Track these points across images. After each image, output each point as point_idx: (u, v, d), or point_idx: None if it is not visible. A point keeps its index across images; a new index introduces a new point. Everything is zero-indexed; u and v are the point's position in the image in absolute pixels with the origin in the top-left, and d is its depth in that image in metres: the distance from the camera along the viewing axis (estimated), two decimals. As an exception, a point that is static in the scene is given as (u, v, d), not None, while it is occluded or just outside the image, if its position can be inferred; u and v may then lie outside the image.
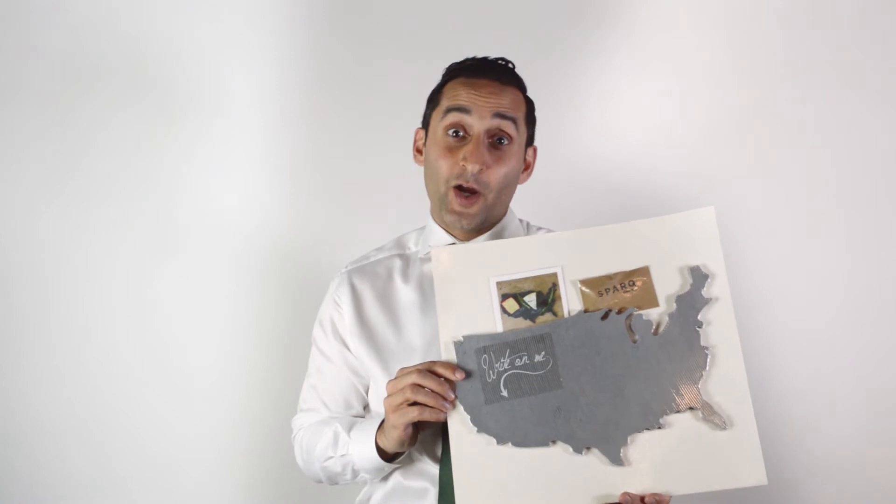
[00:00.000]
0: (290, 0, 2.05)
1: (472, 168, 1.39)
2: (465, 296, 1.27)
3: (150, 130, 2.03)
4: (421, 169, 1.51)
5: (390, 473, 1.43)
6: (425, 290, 1.48)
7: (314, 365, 1.55)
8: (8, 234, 2.02)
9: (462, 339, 1.25)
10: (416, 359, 1.40)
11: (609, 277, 1.26)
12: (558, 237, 1.30)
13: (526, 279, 1.27)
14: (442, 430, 1.31)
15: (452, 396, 1.23)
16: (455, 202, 1.42)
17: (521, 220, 1.56)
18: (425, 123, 1.52)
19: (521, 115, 1.45)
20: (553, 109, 1.96)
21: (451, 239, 1.49)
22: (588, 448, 1.21)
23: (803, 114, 1.99)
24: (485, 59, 1.49)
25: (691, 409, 1.21)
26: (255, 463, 1.99)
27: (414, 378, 1.24)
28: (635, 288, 1.25)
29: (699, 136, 2.01)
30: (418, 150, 1.53)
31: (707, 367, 1.22)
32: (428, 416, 1.25)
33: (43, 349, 1.99)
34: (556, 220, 1.69)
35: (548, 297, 1.26)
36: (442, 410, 1.23)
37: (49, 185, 2.02)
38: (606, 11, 2.03)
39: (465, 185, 1.41)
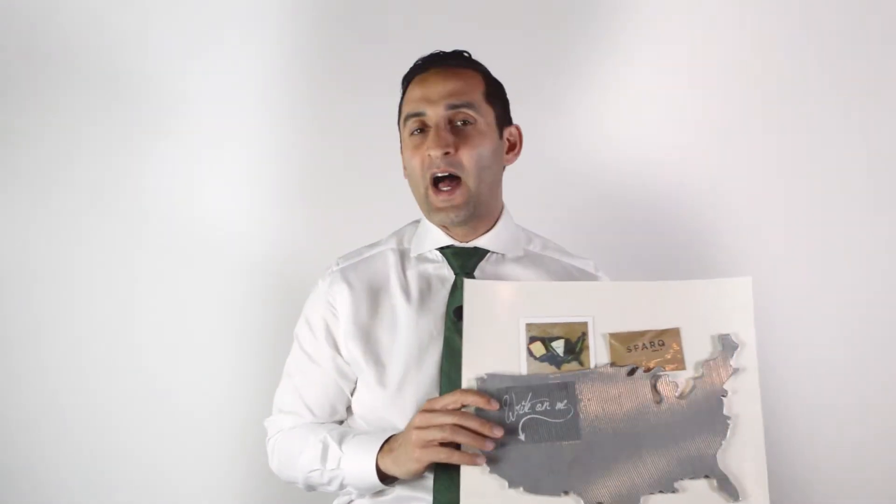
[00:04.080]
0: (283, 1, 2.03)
1: (435, 153, 1.35)
2: (493, 333, 1.26)
3: (137, 132, 1.98)
4: None
5: None
6: (421, 288, 1.42)
7: (297, 366, 1.46)
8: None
9: (485, 376, 1.25)
10: (412, 362, 1.36)
11: (640, 334, 1.26)
12: (594, 287, 1.31)
13: (556, 325, 1.27)
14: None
15: (492, 446, 1.20)
16: (436, 200, 1.38)
17: (522, 229, 1.53)
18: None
19: (477, 96, 1.41)
20: (552, 110, 1.98)
21: (448, 239, 1.44)
22: (599, 503, 1.20)
23: (802, 114, 1.98)
24: (433, 53, 1.47)
25: (707, 476, 1.21)
26: (245, 465, 1.96)
27: (457, 419, 1.21)
28: (664, 348, 1.25)
29: (698, 137, 1.99)
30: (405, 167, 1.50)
31: (727, 437, 1.22)
32: (457, 459, 1.22)
33: (29, 351, 1.96)
34: (553, 222, 1.69)
35: (576, 345, 1.26)
36: (474, 461, 1.20)
37: (33, 188, 1.97)
38: (602, 14, 2.03)
39: (438, 173, 1.37)
